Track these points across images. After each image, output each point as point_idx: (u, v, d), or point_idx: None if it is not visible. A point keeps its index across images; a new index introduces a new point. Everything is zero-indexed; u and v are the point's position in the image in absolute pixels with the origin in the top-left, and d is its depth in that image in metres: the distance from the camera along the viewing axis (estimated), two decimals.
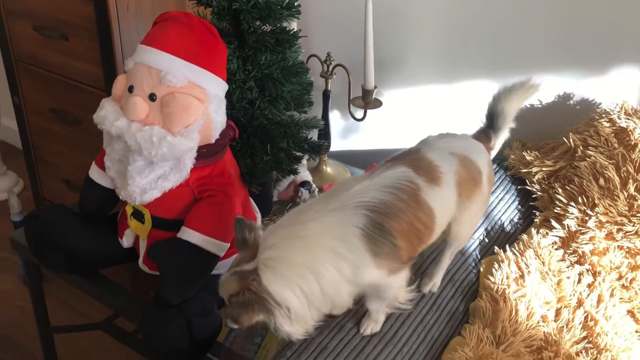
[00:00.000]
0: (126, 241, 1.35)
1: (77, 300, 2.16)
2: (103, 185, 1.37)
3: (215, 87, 1.23)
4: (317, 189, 1.68)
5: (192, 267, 1.19)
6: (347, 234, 0.98)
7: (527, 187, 1.55)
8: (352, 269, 0.98)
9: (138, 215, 1.29)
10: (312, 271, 0.96)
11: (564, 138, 1.56)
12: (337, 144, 2.01)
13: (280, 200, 1.73)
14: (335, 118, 1.89)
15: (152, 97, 1.18)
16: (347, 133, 2.05)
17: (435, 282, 1.28)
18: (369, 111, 1.74)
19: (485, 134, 1.34)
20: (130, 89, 1.19)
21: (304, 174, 1.75)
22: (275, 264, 0.95)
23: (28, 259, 1.55)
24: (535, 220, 1.47)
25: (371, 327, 1.16)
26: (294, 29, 1.45)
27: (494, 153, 1.37)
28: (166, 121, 1.17)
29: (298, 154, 1.51)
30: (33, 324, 2.05)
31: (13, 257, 2.34)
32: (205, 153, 1.24)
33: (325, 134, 1.81)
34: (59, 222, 1.35)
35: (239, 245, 1.02)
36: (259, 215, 1.49)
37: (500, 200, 1.54)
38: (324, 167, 1.90)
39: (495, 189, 1.56)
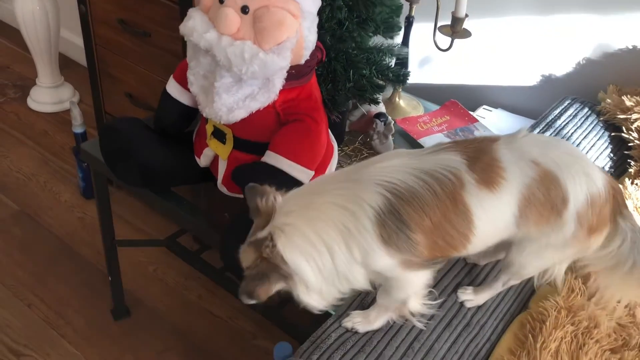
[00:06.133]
0: (203, 160, 1.32)
1: (133, 216, 2.18)
2: (181, 102, 1.32)
3: (310, 2, 1.15)
4: (392, 121, 1.61)
5: None
6: (359, 212, 0.86)
7: (622, 134, 1.46)
8: (361, 252, 0.87)
9: (219, 134, 1.25)
10: (326, 246, 0.86)
11: None
12: (413, 75, 1.91)
13: (352, 130, 1.67)
14: (414, 47, 1.78)
15: (244, 10, 1.10)
16: (424, 64, 1.95)
17: (476, 300, 1.07)
18: (453, 42, 1.63)
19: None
20: (221, 0, 1.12)
21: (379, 105, 1.67)
22: (290, 231, 0.87)
23: (98, 170, 1.53)
24: (630, 170, 1.39)
25: (358, 323, 0.98)
26: None
27: None
28: (258, 36, 1.10)
29: (380, 82, 1.44)
30: (91, 235, 2.10)
31: (73, 169, 2.36)
32: (293, 74, 1.17)
33: (403, 63, 1.72)
34: (136, 135, 1.31)
35: (253, 213, 0.93)
36: (335, 145, 1.43)
37: (592, 146, 1.45)
38: (397, 99, 1.82)
39: (587, 134, 1.47)
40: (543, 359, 0.97)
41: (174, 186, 1.41)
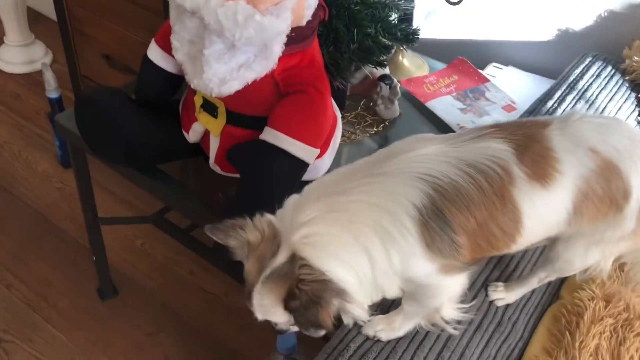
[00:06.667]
0: (192, 136, 1.18)
1: (117, 186, 2.04)
2: (165, 69, 1.17)
3: None
4: (398, 84, 1.47)
5: (279, 175, 1.02)
6: (398, 210, 0.74)
7: None
8: (400, 257, 0.75)
9: (209, 107, 1.10)
10: (365, 252, 0.74)
11: None
12: None
13: (353, 94, 1.53)
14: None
15: None
16: (428, 17, 1.79)
17: (508, 299, 0.97)
18: None
19: None
20: None
21: None
22: (320, 240, 0.74)
23: (76, 145, 1.38)
24: None
25: (381, 331, 0.87)
26: None
27: None
28: None
29: (387, 42, 1.29)
30: (72, 207, 1.96)
31: (49, 135, 2.20)
32: (294, 38, 1.02)
33: (407, 18, 1.56)
34: (116, 109, 1.17)
35: (241, 251, 0.78)
36: (338, 113, 1.29)
37: (618, 110, 1.33)
38: (401, 58, 1.67)
39: (613, 96, 1.35)
40: (583, 359, 0.88)
41: (160, 163, 1.27)
